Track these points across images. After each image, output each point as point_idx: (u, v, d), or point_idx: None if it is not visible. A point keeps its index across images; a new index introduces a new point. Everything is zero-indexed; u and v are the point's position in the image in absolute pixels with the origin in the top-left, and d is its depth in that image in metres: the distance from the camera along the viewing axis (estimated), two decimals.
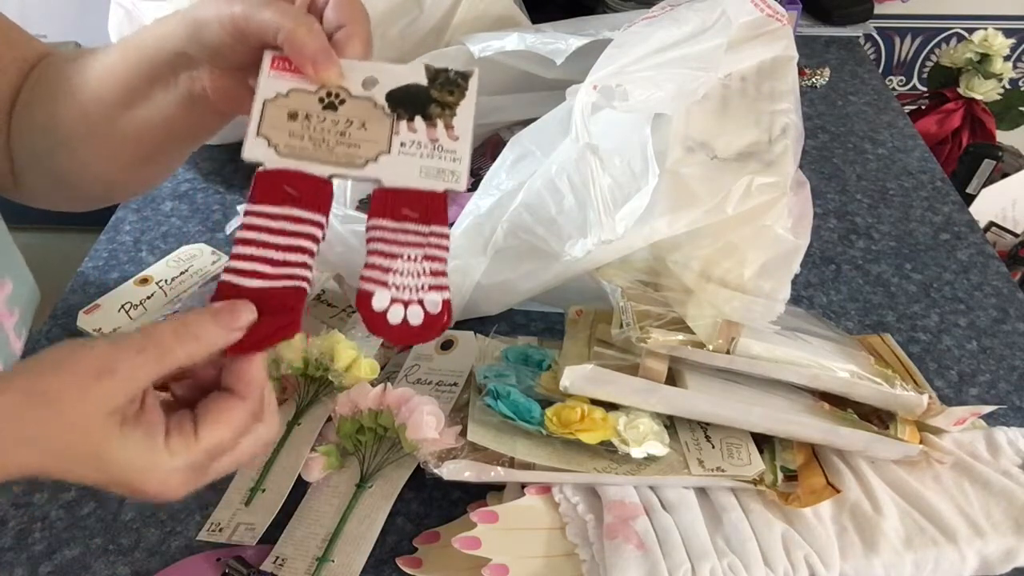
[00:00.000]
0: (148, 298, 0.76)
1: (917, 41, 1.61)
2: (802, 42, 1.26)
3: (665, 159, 0.62)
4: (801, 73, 1.13)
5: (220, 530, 0.58)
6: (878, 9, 1.40)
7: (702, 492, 0.57)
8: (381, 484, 0.59)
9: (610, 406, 0.58)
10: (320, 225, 0.44)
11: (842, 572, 0.53)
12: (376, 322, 0.43)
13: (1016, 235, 1.14)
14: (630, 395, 0.58)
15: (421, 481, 0.60)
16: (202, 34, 0.47)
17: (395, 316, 0.43)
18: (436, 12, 0.87)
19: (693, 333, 0.58)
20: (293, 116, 0.45)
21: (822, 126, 1.08)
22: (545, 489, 0.57)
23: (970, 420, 0.62)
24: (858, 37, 1.32)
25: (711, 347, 0.58)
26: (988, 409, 0.62)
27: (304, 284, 0.43)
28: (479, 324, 0.73)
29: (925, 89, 1.58)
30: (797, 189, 0.66)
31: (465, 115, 0.46)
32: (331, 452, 0.61)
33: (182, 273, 0.80)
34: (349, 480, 0.60)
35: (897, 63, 1.63)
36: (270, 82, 0.46)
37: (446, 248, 0.44)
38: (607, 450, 0.57)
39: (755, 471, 0.57)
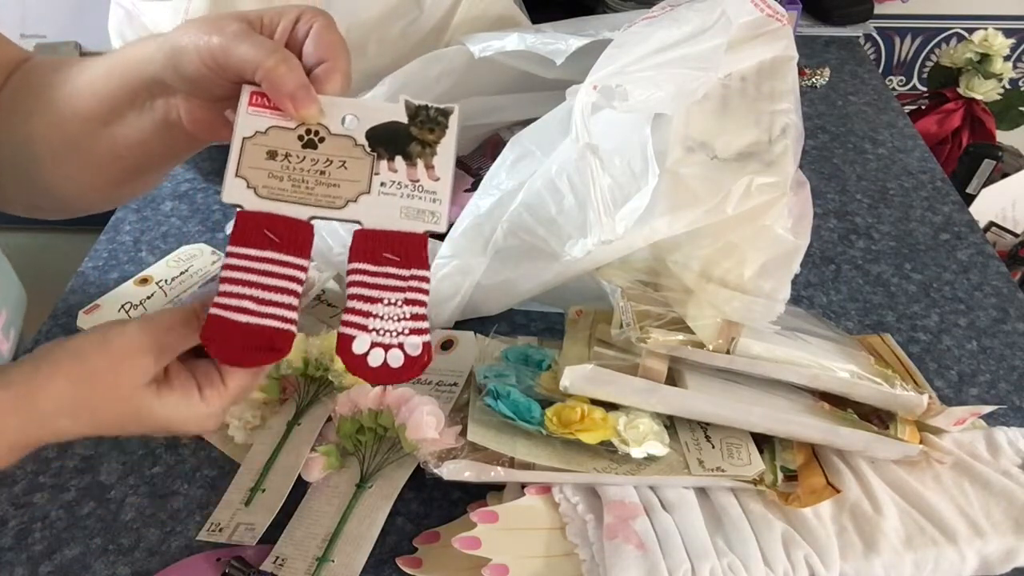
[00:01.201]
0: (148, 298, 0.76)
1: (917, 41, 1.61)
2: (802, 42, 1.26)
3: (665, 159, 0.62)
4: (801, 73, 1.13)
5: (220, 530, 0.58)
6: (878, 9, 1.40)
7: (702, 492, 0.57)
8: (381, 484, 0.59)
9: (610, 406, 0.59)
10: (302, 268, 0.44)
11: (842, 572, 0.53)
12: (356, 365, 0.44)
13: (1016, 235, 1.14)
14: (630, 395, 0.58)
15: (421, 481, 0.60)
16: (180, 63, 0.47)
17: (375, 359, 0.44)
18: (436, 12, 0.87)
19: (693, 333, 0.58)
20: (272, 155, 0.45)
21: (822, 126, 1.08)
22: (545, 489, 0.57)
23: (970, 420, 0.62)
24: (858, 37, 1.32)
25: (711, 347, 0.58)
26: (988, 409, 0.62)
27: (290, 327, 0.44)
28: (479, 324, 0.73)
29: (925, 89, 1.58)
30: (797, 189, 0.66)
31: (446, 154, 0.46)
32: (331, 452, 0.61)
33: (182, 273, 0.80)
34: (349, 480, 0.60)
35: (897, 63, 1.63)
36: (249, 119, 0.45)
37: (426, 291, 0.45)
38: (607, 450, 0.57)
39: (755, 471, 0.57)
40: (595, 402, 0.58)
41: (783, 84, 0.68)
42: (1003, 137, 1.45)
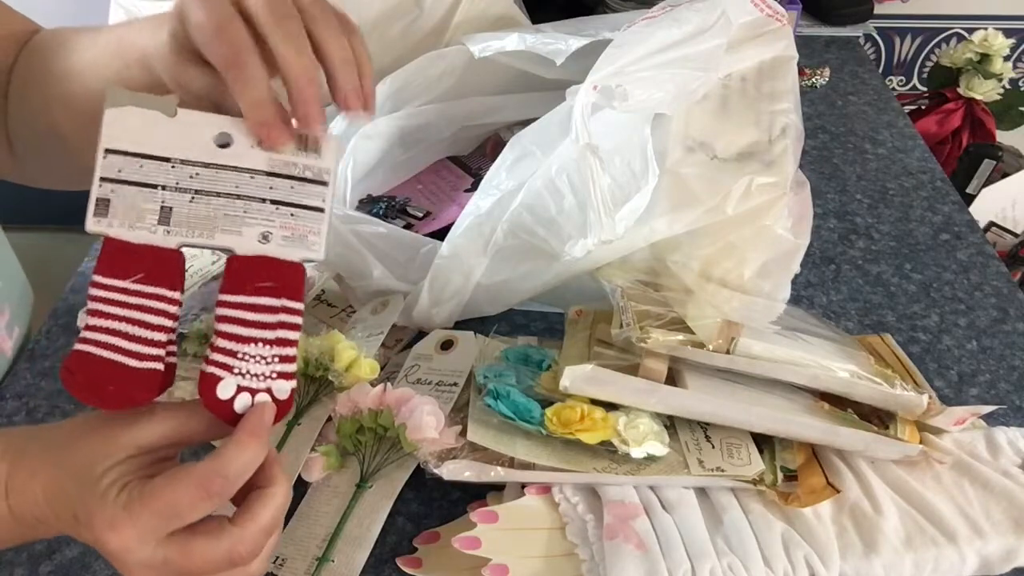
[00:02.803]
0: None
1: (917, 41, 1.61)
2: (802, 42, 1.26)
3: (665, 159, 0.62)
4: (801, 73, 1.13)
5: None
6: (878, 9, 1.40)
7: (702, 492, 0.57)
8: (381, 484, 0.59)
9: (610, 406, 0.58)
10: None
11: (842, 572, 0.53)
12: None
13: (1016, 235, 1.14)
14: (630, 395, 0.58)
15: (421, 481, 0.60)
16: (152, 67, 0.46)
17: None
18: (436, 12, 0.87)
19: (693, 333, 0.58)
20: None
21: (822, 126, 1.08)
22: (545, 489, 0.57)
23: (970, 420, 0.62)
24: (858, 37, 1.32)
25: (711, 347, 0.58)
26: (988, 409, 0.62)
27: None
28: (479, 324, 0.73)
29: (925, 89, 1.58)
30: (797, 189, 0.66)
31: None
32: (331, 452, 0.61)
33: None
34: (349, 480, 0.60)
35: (897, 63, 1.63)
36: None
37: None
38: (607, 450, 0.57)
39: (755, 471, 0.57)
40: (595, 402, 0.58)
41: (783, 84, 0.68)
42: (1003, 137, 1.45)
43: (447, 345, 0.69)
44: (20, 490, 0.41)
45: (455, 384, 0.66)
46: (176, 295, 0.41)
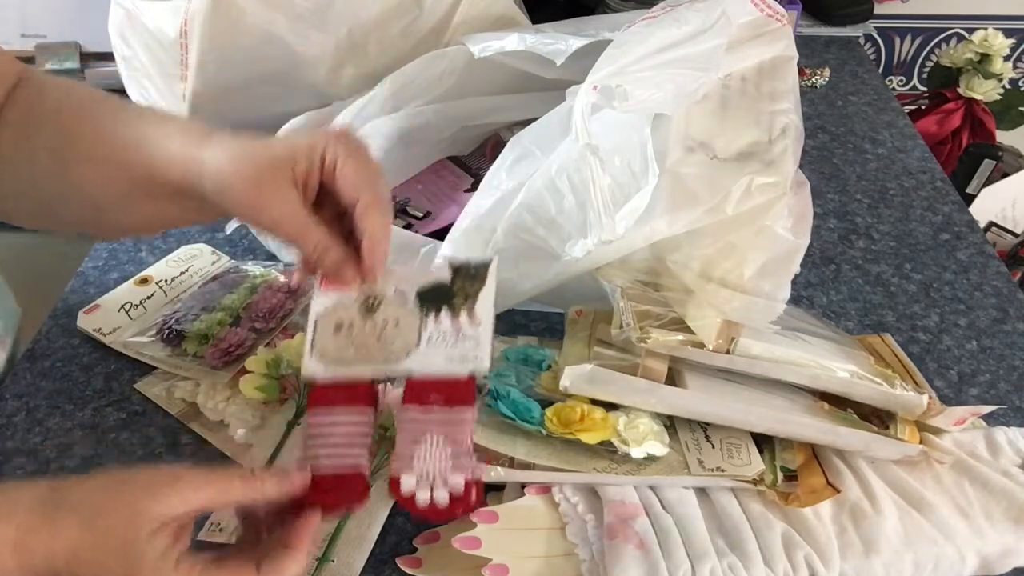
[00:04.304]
0: (148, 298, 0.76)
1: (917, 41, 1.61)
2: (802, 42, 1.26)
3: (665, 159, 0.62)
4: (801, 73, 1.13)
5: (220, 530, 0.58)
6: (878, 9, 1.40)
7: (702, 492, 0.57)
8: (381, 484, 0.59)
9: (610, 406, 0.58)
10: (370, 420, 0.50)
11: (842, 572, 0.53)
12: (407, 504, 0.48)
13: (1016, 235, 1.14)
14: (630, 395, 0.58)
15: None
16: (222, 199, 0.51)
17: (422, 499, 0.47)
18: (436, 12, 0.87)
19: (693, 333, 0.58)
20: (338, 328, 0.50)
21: (822, 126, 1.08)
22: (545, 489, 0.57)
23: (970, 420, 0.62)
24: (858, 37, 1.32)
25: (711, 347, 0.58)
26: (988, 409, 0.62)
27: (364, 471, 0.49)
28: None
29: (925, 89, 1.58)
30: (797, 189, 0.66)
31: (485, 301, 0.50)
32: None
33: (182, 273, 0.80)
34: None
35: (897, 63, 1.63)
36: (319, 299, 0.51)
37: (470, 430, 0.48)
38: (607, 450, 0.57)
39: (755, 471, 0.57)
40: (595, 402, 0.58)
41: (783, 84, 0.68)
42: (1003, 137, 1.45)
43: None
44: (34, 550, 0.42)
45: None
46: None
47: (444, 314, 0.50)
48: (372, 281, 0.51)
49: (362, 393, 0.50)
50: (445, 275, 0.51)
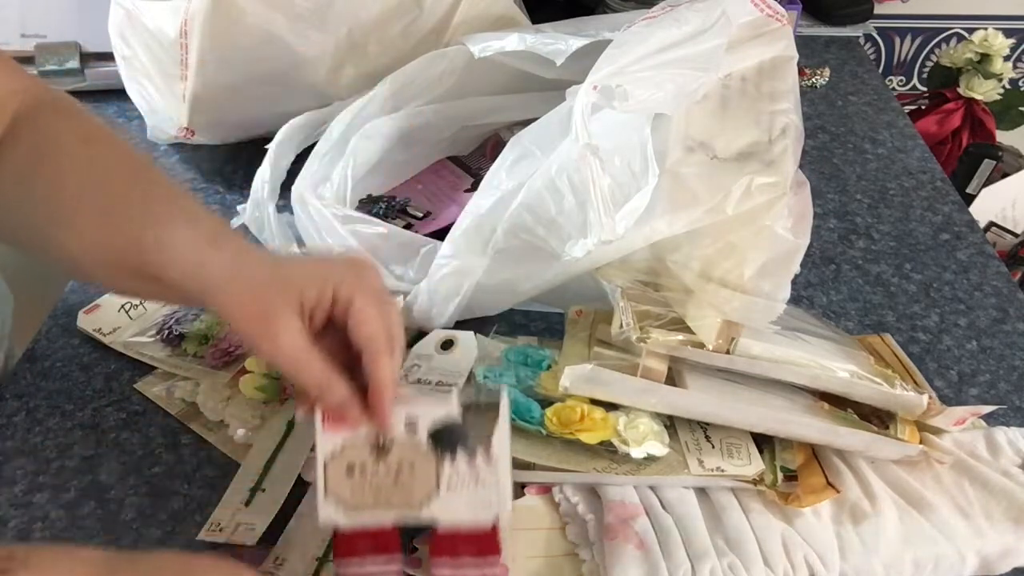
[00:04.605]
0: None
1: (917, 41, 1.61)
2: (802, 42, 1.26)
3: (665, 159, 0.62)
4: (801, 73, 1.13)
5: (220, 530, 0.58)
6: (878, 9, 1.40)
7: (702, 492, 0.57)
8: None
9: (610, 406, 0.59)
10: (395, 561, 0.51)
11: (842, 572, 0.53)
12: None
13: (1016, 235, 1.14)
14: (630, 395, 0.58)
15: None
16: (223, 316, 0.49)
17: None
18: (436, 12, 0.87)
19: (693, 333, 0.58)
20: (351, 470, 0.50)
21: (822, 126, 1.08)
22: (545, 489, 0.57)
23: (970, 420, 0.62)
24: (858, 37, 1.32)
25: (711, 347, 0.58)
26: (988, 409, 0.62)
27: None
28: (479, 324, 0.73)
29: (925, 89, 1.58)
30: (797, 189, 0.66)
31: (500, 439, 0.50)
32: None
33: None
34: None
35: (897, 63, 1.63)
36: (325, 440, 0.50)
37: (496, 565, 0.50)
38: (607, 450, 0.57)
39: (755, 471, 0.57)
40: (595, 402, 0.58)
41: (783, 84, 0.68)
42: (1003, 137, 1.45)
43: (447, 345, 0.69)
44: None
45: (455, 384, 0.66)
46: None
47: (460, 456, 0.50)
48: (379, 427, 0.50)
49: (388, 539, 0.50)
50: (454, 409, 0.50)
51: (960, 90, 1.41)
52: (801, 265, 0.67)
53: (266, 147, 0.80)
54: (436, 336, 0.70)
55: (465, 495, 0.50)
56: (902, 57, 1.62)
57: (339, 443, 0.50)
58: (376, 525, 0.50)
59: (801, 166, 0.67)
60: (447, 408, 0.50)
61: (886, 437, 0.58)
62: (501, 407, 0.50)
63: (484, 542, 0.50)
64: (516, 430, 0.58)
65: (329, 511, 0.50)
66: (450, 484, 0.50)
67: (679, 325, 0.59)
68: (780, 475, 0.57)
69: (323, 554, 0.55)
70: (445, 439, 0.50)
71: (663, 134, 0.63)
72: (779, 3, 0.69)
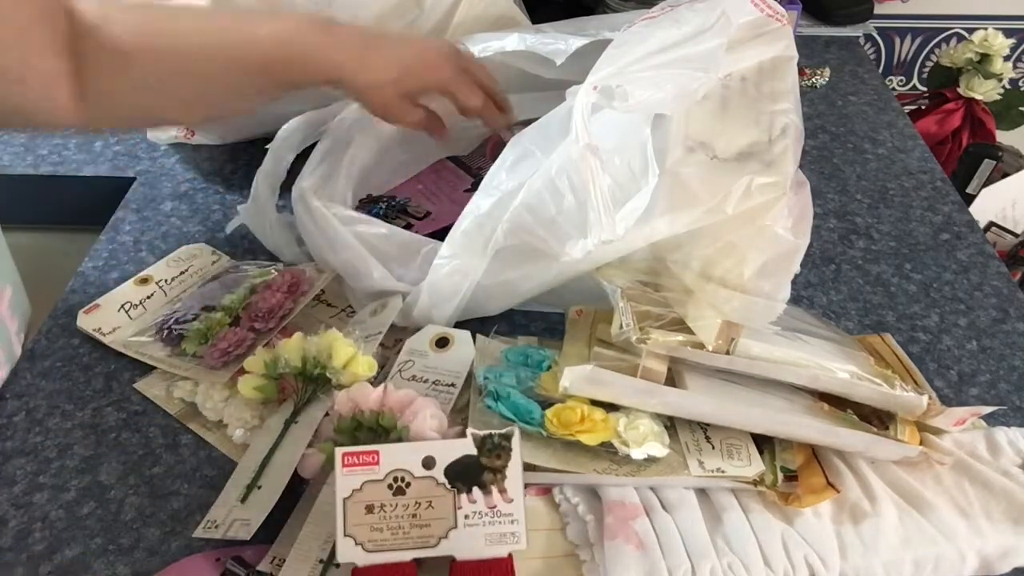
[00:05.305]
0: (148, 298, 0.76)
1: (917, 41, 1.61)
2: (802, 42, 1.26)
3: (665, 159, 0.62)
4: (801, 73, 1.13)
5: (216, 527, 0.58)
6: (878, 9, 1.40)
7: (702, 492, 0.57)
8: None
9: (610, 407, 0.58)
10: None
11: (842, 572, 0.53)
12: None
13: (1016, 235, 1.14)
14: (630, 396, 0.58)
15: None
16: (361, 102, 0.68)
17: None
18: (436, 12, 0.87)
19: (693, 334, 0.58)
20: (370, 509, 0.52)
21: (822, 126, 1.08)
22: (545, 490, 0.57)
23: (970, 420, 0.62)
24: (858, 37, 1.32)
25: (711, 348, 0.58)
26: (988, 409, 0.62)
27: None
28: (479, 324, 0.73)
29: (925, 89, 1.58)
30: (797, 189, 0.66)
31: (514, 475, 0.52)
32: (329, 449, 0.61)
33: (182, 273, 0.79)
34: None
35: (897, 63, 1.63)
36: (344, 480, 0.52)
37: None
38: (607, 451, 0.57)
39: (755, 472, 0.57)
40: (595, 403, 0.58)
41: (783, 84, 0.68)
42: (1003, 137, 1.45)
43: (442, 343, 0.69)
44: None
45: (453, 385, 0.66)
46: None
47: (476, 492, 0.52)
48: (509, 111, 0.70)
49: (406, 572, 0.51)
50: (469, 447, 0.52)
51: (960, 90, 1.41)
52: (801, 265, 0.67)
53: (266, 147, 0.80)
54: (430, 331, 0.70)
55: (482, 529, 0.51)
56: (902, 57, 1.62)
57: (359, 482, 0.52)
58: (391, 562, 0.51)
59: (801, 166, 0.67)
60: (464, 447, 0.52)
61: (886, 438, 0.58)
62: (513, 441, 0.52)
63: (500, 572, 0.51)
64: None
65: (348, 550, 0.51)
66: (467, 520, 0.51)
67: (679, 325, 0.59)
68: (780, 475, 0.57)
69: (327, 558, 0.55)
70: (462, 476, 0.52)
71: (663, 134, 0.63)
72: (779, 3, 0.69)
